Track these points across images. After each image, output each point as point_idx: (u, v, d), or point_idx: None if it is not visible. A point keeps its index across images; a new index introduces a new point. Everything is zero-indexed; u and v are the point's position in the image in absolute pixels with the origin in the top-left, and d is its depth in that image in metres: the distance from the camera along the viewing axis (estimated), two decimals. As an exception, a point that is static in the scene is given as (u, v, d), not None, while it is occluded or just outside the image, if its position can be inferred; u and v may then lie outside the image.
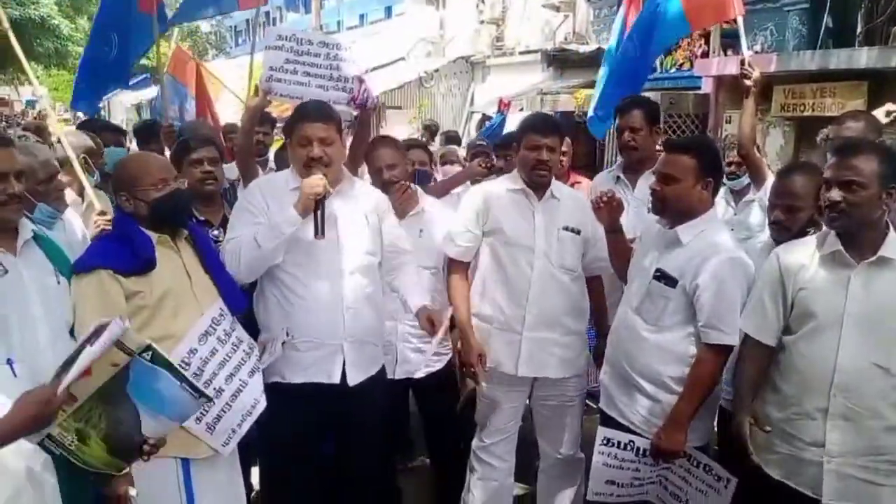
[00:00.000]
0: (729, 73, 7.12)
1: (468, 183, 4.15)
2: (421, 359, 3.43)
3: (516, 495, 3.54)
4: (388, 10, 24.69)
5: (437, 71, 15.64)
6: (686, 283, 2.65)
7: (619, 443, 2.74)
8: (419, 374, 3.49)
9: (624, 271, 3.07)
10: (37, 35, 18.29)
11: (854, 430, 2.28)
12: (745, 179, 4.14)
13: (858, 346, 2.26)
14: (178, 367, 1.95)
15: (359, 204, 2.96)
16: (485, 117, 11.76)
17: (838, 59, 6.66)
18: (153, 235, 2.51)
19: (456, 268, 3.26)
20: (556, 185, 3.27)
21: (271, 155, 5.20)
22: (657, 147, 3.75)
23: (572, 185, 4.09)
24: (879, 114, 3.84)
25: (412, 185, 3.54)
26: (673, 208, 2.73)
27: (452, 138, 8.44)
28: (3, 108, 23.79)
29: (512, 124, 7.12)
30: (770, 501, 2.46)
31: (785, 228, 2.71)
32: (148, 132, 5.54)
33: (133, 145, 6.04)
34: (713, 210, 2.79)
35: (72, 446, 1.85)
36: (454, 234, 3.25)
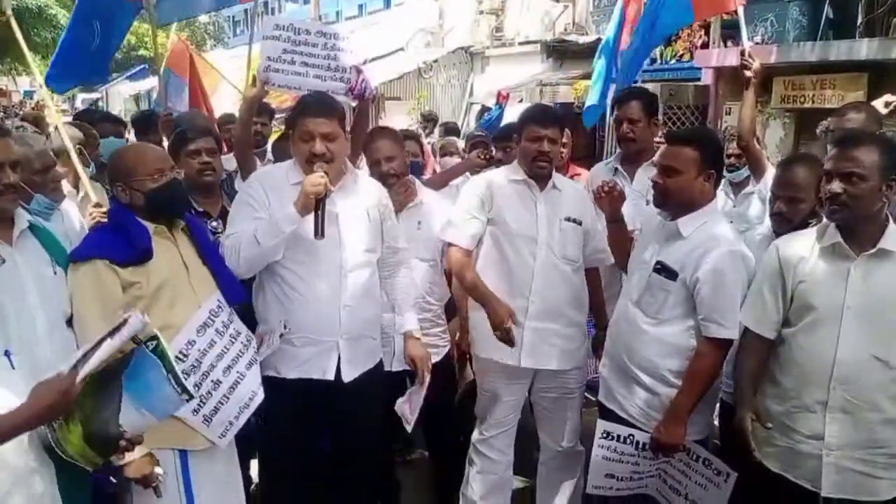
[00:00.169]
0: (729, 64, 7.10)
1: (467, 174, 4.14)
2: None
3: (516, 488, 3.55)
4: (388, 1, 24.57)
5: (436, 61, 15.58)
6: (686, 276, 2.64)
7: (618, 436, 2.74)
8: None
9: (624, 262, 3.07)
10: (34, 25, 18.19)
11: (853, 423, 2.28)
12: (745, 171, 4.13)
13: (858, 338, 2.26)
14: (172, 360, 1.95)
15: (361, 199, 2.94)
16: (484, 108, 11.74)
17: (839, 50, 6.64)
18: (150, 226, 2.50)
19: (459, 252, 3.22)
20: (557, 177, 3.28)
21: (269, 146, 5.18)
22: (657, 138, 3.74)
23: (572, 177, 4.09)
24: (878, 104, 3.83)
25: (411, 177, 3.52)
26: (675, 201, 2.72)
27: (451, 129, 8.42)
28: (1, 98, 23.72)
29: (510, 116, 7.11)
30: (769, 494, 2.46)
31: (787, 220, 2.70)
32: (146, 123, 5.52)
33: (132, 136, 6.02)
34: (714, 202, 2.78)
35: (55, 423, 1.85)
36: (459, 223, 3.21)
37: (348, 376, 2.86)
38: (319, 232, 2.68)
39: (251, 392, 2.66)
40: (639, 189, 3.53)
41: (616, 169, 3.75)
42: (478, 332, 3.26)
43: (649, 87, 6.24)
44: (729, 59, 7.13)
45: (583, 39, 11.64)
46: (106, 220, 2.79)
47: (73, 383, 1.71)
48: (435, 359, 3.49)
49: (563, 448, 3.32)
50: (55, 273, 2.38)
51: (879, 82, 6.22)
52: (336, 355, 2.84)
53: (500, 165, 3.74)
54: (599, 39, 10.58)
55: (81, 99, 23.19)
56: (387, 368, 3.16)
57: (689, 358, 2.66)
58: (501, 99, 7.88)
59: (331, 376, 2.84)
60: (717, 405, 3.09)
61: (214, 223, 3.29)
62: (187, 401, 2.03)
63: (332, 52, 3.60)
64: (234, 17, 32.33)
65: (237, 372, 2.61)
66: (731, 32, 7.86)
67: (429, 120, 9.98)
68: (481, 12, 15.23)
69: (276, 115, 6.46)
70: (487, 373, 3.26)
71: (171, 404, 2.00)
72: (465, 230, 3.19)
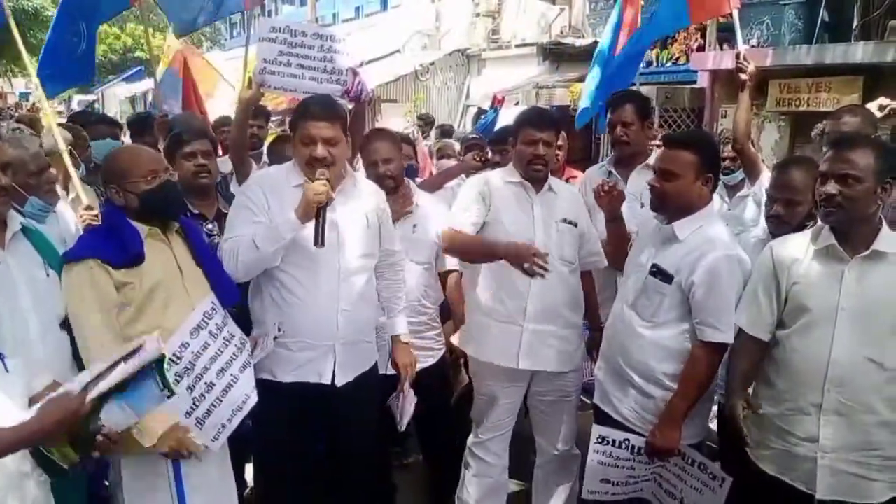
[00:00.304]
0: (725, 67, 7.12)
1: (462, 177, 4.14)
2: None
3: (511, 492, 3.54)
4: (384, 3, 24.58)
5: (432, 64, 15.59)
6: (682, 280, 2.64)
7: (614, 441, 2.73)
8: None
9: (621, 261, 3.07)
10: (30, 26, 18.18)
11: (847, 426, 2.28)
12: (740, 174, 4.13)
13: (852, 340, 2.26)
14: (165, 365, 1.95)
15: (360, 204, 2.94)
16: (480, 111, 11.74)
17: (834, 53, 6.66)
18: (143, 228, 2.50)
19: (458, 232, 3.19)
20: (552, 179, 3.28)
21: (265, 148, 5.18)
22: (656, 142, 3.74)
23: (568, 180, 4.09)
24: (873, 107, 3.84)
25: (407, 180, 3.52)
26: (673, 205, 2.71)
27: (447, 132, 8.43)
28: (-4, 99, 23.66)
29: (506, 119, 7.11)
30: (765, 497, 2.46)
31: (784, 222, 2.70)
32: (142, 125, 5.52)
33: (127, 138, 6.01)
34: (711, 205, 2.78)
35: None
36: (460, 212, 3.20)
37: (342, 380, 2.86)
38: (320, 241, 2.67)
39: (244, 395, 2.65)
40: (633, 192, 3.53)
41: (610, 172, 3.75)
42: (475, 335, 3.26)
43: (645, 89, 6.25)
44: (725, 62, 7.15)
45: (579, 42, 11.65)
46: (97, 222, 2.78)
47: (83, 403, 1.72)
48: (430, 362, 3.50)
49: (560, 451, 3.31)
50: (48, 276, 2.38)
51: (875, 85, 6.24)
52: (332, 359, 2.83)
53: (497, 168, 3.73)
54: (596, 42, 10.61)
55: (77, 101, 23.18)
56: (381, 371, 3.16)
57: (685, 361, 2.65)
58: (497, 102, 7.90)
59: (327, 380, 2.83)
60: (715, 408, 3.09)
61: (210, 225, 3.28)
62: (168, 397, 2.01)
63: (329, 55, 3.59)
64: (230, 19, 32.30)
65: (231, 375, 2.60)
66: (727, 35, 7.89)
67: (426, 122, 9.99)
68: (478, 15, 15.25)
69: (272, 118, 6.46)
70: (485, 376, 3.25)
71: (152, 400, 1.99)
72: (465, 217, 3.16)
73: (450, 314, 3.60)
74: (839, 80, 6.68)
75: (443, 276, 3.59)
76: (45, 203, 2.87)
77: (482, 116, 9.76)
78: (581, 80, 10.48)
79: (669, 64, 9.63)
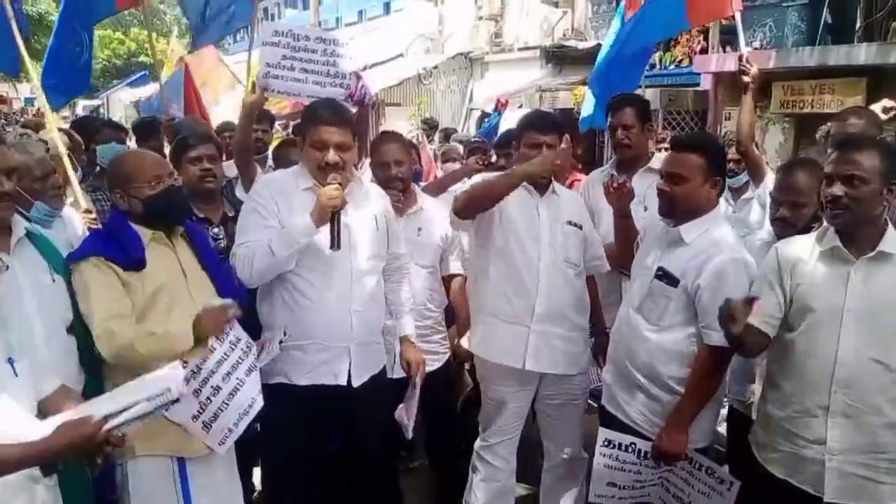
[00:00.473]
0: (728, 69, 7.11)
1: (465, 181, 4.14)
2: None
3: (519, 496, 3.54)
4: (387, 7, 24.62)
5: (435, 67, 15.60)
6: (688, 283, 2.63)
7: (620, 444, 2.72)
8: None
9: (629, 259, 3.07)
10: (35, 31, 18.26)
11: (855, 427, 2.27)
12: (744, 177, 4.12)
13: (858, 341, 2.25)
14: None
15: (369, 206, 2.96)
16: (484, 114, 11.76)
17: (837, 55, 6.65)
18: (147, 232, 2.51)
19: None
20: (555, 183, 3.28)
21: (270, 152, 5.19)
22: (663, 145, 3.74)
23: (572, 183, 4.09)
24: (877, 109, 3.83)
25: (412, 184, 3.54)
26: (681, 208, 2.70)
27: (450, 136, 8.43)
28: (1, 105, 23.71)
29: (509, 122, 7.11)
30: (773, 500, 2.44)
31: (790, 225, 2.69)
32: (147, 129, 5.52)
33: (132, 143, 6.03)
34: (717, 209, 2.77)
35: None
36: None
37: (358, 380, 2.87)
38: (336, 244, 2.70)
39: (251, 399, 2.65)
40: (636, 195, 3.53)
41: (612, 175, 3.74)
42: (482, 336, 3.25)
43: (648, 92, 6.25)
44: (728, 65, 7.14)
45: (582, 45, 11.65)
46: (95, 225, 2.80)
47: (99, 431, 1.72)
48: (436, 365, 3.50)
49: (568, 455, 3.30)
50: (53, 280, 2.39)
51: (878, 87, 6.22)
52: (347, 360, 2.85)
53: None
54: (599, 45, 10.61)
55: (83, 105, 23.23)
56: (388, 375, 3.16)
57: (691, 365, 2.64)
58: (500, 106, 7.90)
59: (343, 381, 2.84)
60: (725, 411, 3.09)
61: (216, 229, 3.30)
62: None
63: (332, 59, 3.61)
64: (233, 23, 32.33)
65: (237, 378, 2.60)
66: (729, 38, 7.88)
67: (431, 126, 10.00)
68: (481, 18, 15.26)
69: (276, 122, 6.47)
70: (493, 380, 3.25)
71: (159, 414, 2.00)
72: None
73: (454, 318, 3.60)
74: (843, 82, 6.67)
75: (447, 280, 3.60)
76: (51, 208, 2.88)
77: (486, 120, 9.78)
78: (584, 82, 10.49)
79: (672, 66, 9.62)
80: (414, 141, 5.92)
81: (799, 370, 2.35)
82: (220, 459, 2.61)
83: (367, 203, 2.95)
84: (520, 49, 13.81)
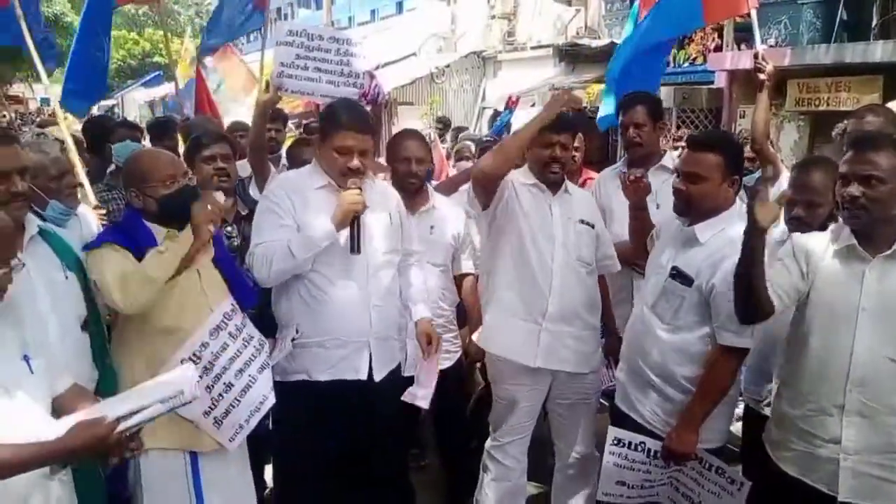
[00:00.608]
0: (742, 67, 7.09)
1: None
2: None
3: (530, 495, 3.53)
4: (400, 6, 24.67)
5: (448, 66, 15.61)
6: (702, 283, 2.61)
7: (630, 443, 2.71)
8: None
9: (644, 253, 3.07)
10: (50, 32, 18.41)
11: (871, 427, 2.25)
12: (758, 174, 4.10)
13: (874, 340, 2.23)
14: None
15: (382, 202, 2.98)
16: (496, 113, 11.74)
17: (853, 52, 6.61)
18: (161, 231, 2.53)
19: None
20: (567, 182, 3.27)
21: (283, 151, 5.21)
22: (680, 143, 3.72)
23: (585, 181, 4.08)
24: (893, 107, 3.79)
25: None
26: (698, 208, 2.67)
27: (459, 135, 8.43)
28: (18, 105, 23.96)
29: (520, 120, 7.09)
30: (786, 499, 2.43)
31: (805, 224, 2.66)
32: (161, 129, 5.56)
33: (147, 142, 6.08)
34: (733, 208, 2.73)
35: None
36: None
37: (379, 375, 2.89)
38: (356, 248, 2.74)
39: (262, 396, 2.67)
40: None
41: (624, 174, 3.73)
42: (494, 332, 3.24)
43: (662, 90, 6.22)
44: (742, 62, 7.11)
45: (595, 43, 11.62)
46: (104, 221, 2.83)
47: (113, 432, 1.74)
48: (447, 364, 3.50)
49: (580, 455, 3.29)
50: (66, 277, 2.41)
51: (894, 84, 6.18)
52: (367, 355, 2.86)
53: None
54: (612, 43, 10.62)
55: (98, 105, 23.41)
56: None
57: (705, 365, 2.63)
58: (511, 104, 7.86)
59: (363, 376, 2.86)
60: (740, 410, 3.07)
61: (229, 228, 3.31)
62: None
63: (345, 58, 3.62)
64: (247, 23, 32.49)
65: (249, 375, 2.62)
66: (744, 35, 7.85)
67: (445, 125, 10.00)
68: (493, 17, 15.26)
69: (289, 121, 6.50)
70: (504, 379, 3.24)
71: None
72: None
73: (465, 318, 3.60)
74: (858, 80, 6.62)
75: (458, 280, 3.60)
76: (66, 207, 2.90)
77: (497, 118, 9.76)
78: (597, 80, 10.49)
79: (686, 64, 9.60)
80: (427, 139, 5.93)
81: (814, 369, 2.34)
82: (233, 455, 2.63)
83: (381, 199, 2.97)
84: (532, 47, 13.80)
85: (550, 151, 3.09)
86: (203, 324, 2.52)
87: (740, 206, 4.11)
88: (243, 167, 3.97)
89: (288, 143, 5.39)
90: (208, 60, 7.95)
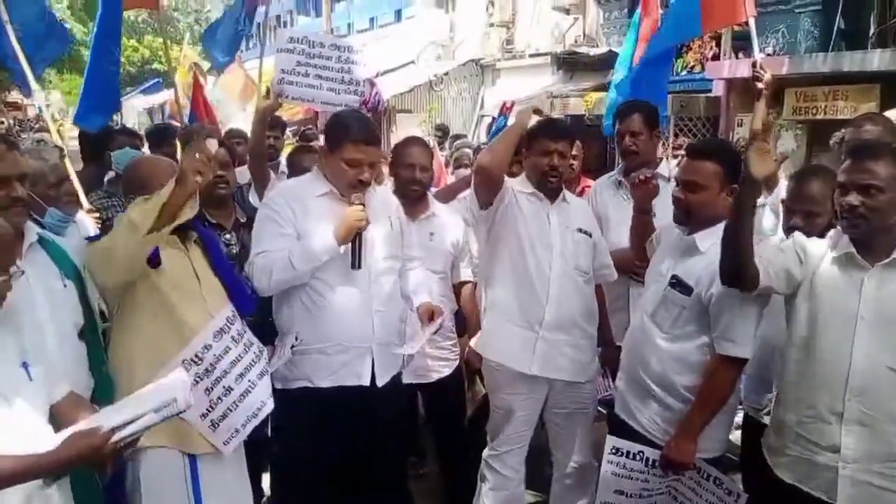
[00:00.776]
0: (740, 75, 7.10)
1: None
2: (428, 363, 3.44)
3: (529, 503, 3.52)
4: (398, 14, 24.71)
5: (446, 74, 15.65)
6: (701, 292, 2.61)
7: (628, 452, 2.70)
8: (426, 380, 3.49)
9: (641, 256, 3.08)
10: (70, 43, 18.38)
11: (870, 436, 2.24)
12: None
13: (872, 349, 2.23)
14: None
15: (382, 208, 2.99)
16: (493, 120, 11.77)
17: (851, 61, 6.63)
18: (162, 237, 2.52)
19: None
20: (564, 191, 3.28)
21: (283, 159, 5.22)
22: (680, 152, 3.73)
23: (583, 189, 4.08)
24: (891, 115, 3.81)
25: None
26: (698, 217, 2.67)
27: (464, 142, 8.44)
28: (16, 112, 23.96)
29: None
30: (782, 506, 2.43)
31: (804, 234, 2.67)
32: (160, 136, 5.56)
33: (146, 149, 6.08)
34: None
35: None
36: None
37: (381, 380, 2.89)
38: (357, 263, 2.75)
39: (260, 402, 2.66)
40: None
41: (620, 182, 3.73)
42: (491, 337, 3.25)
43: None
44: (740, 71, 7.12)
45: (593, 51, 11.67)
46: (101, 225, 2.82)
47: (107, 442, 1.75)
48: (446, 371, 3.50)
49: (578, 464, 3.29)
50: (65, 286, 2.41)
51: (892, 93, 6.20)
52: (370, 360, 2.86)
53: (512, 177, 3.74)
54: (610, 51, 10.67)
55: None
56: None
57: (704, 374, 2.63)
58: (506, 110, 7.79)
59: (366, 381, 2.85)
60: (739, 419, 3.06)
61: (228, 235, 3.31)
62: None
63: (346, 65, 3.64)
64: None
65: (249, 381, 2.61)
66: (742, 44, 7.86)
67: (444, 133, 10.02)
68: (492, 25, 15.30)
69: (288, 128, 6.52)
70: (501, 388, 3.23)
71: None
72: None
73: (465, 327, 3.60)
74: (856, 89, 6.64)
75: (457, 287, 3.60)
76: (65, 214, 2.90)
77: (492, 125, 9.77)
78: (595, 88, 10.52)
79: (684, 72, 9.61)
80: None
81: (812, 376, 2.33)
82: (231, 460, 2.62)
83: (381, 205, 2.98)
84: (531, 55, 13.84)
85: (548, 160, 3.10)
86: (206, 326, 2.52)
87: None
88: (242, 174, 3.97)
89: (286, 150, 5.40)
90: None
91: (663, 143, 7.39)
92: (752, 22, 4.20)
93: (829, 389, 2.28)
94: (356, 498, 3.02)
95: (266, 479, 3.49)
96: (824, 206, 2.61)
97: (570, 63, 12.43)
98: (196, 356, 2.47)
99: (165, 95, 18.73)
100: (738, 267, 2.35)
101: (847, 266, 2.29)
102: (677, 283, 2.68)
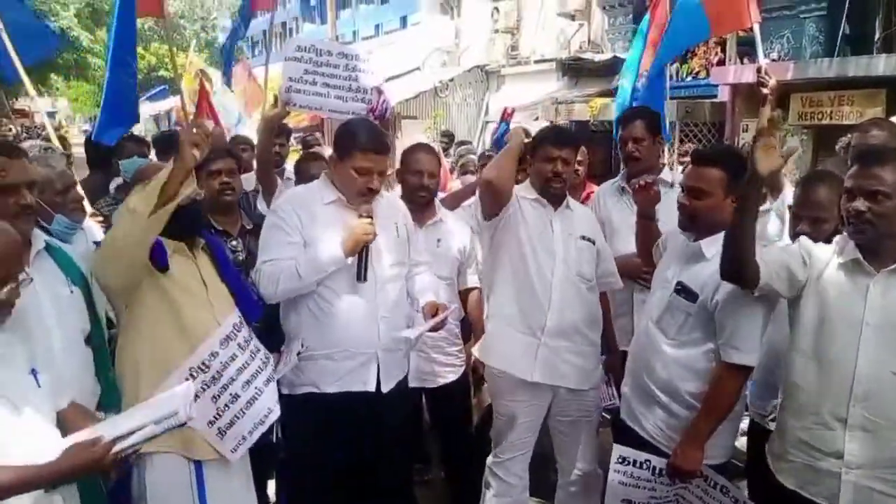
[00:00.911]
0: (746, 81, 7.10)
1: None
2: (431, 367, 3.46)
3: (532, 510, 3.52)
4: (404, 20, 24.81)
5: (451, 80, 15.68)
6: (707, 299, 2.60)
7: (634, 461, 2.69)
8: (432, 385, 3.50)
9: (647, 261, 3.08)
10: (57, 46, 18.55)
11: (874, 442, 2.24)
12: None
13: (878, 355, 2.22)
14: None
15: (389, 215, 2.99)
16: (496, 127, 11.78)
17: (856, 66, 6.63)
18: (170, 243, 2.54)
19: None
20: (568, 198, 3.28)
21: (287, 165, 5.23)
22: (685, 159, 3.73)
23: (588, 195, 4.08)
24: (896, 121, 3.80)
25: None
26: (703, 223, 2.67)
27: (468, 148, 8.45)
28: (23, 119, 24.10)
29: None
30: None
31: (811, 240, 2.66)
32: (167, 143, 5.57)
33: (152, 155, 6.10)
34: None
35: None
36: None
37: (387, 386, 2.89)
38: (363, 276, 2.78)
39: (267, 409, 2.67)
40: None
41: (623, 188, 3.73)
42: (492, 344, 3.24)
43: (665, 104, 6.22)
44: (745, 76, 7.13)
45: (598, 57, 11.68)
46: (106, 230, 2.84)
47: (108, 453, 1.76)
48: (451, 377, 3.50)
49: (582, 471, 3.28)
50: (71, 292, 2.43)
51: (898, 98, 6.19)
52: (375, 367, 2.87)
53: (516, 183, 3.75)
54: (615, 57, 10.68)
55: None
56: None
57: (709, 381, 2.62)
58: (507, 116, 7.74)
59: (371, 387, 2.86)
60: (745, 425, 3.06)
61: (234, 242, 3.33)
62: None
63: (353, 73, 3.65)
64: (252, 37, 32.77)
65: (255, 388, 2.62)
66: (747, 49, 7.87)
67: (450, 140, 10.03)
68: (497, 31, 15.32)
69: (294, 135, 6.54)
70: (503, 394, 3.23)
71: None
72: None
73: (471, 332, 3.60)
74: (862, 94, 6.63)
75: (464, 294, 3.60)
76: (72, 221, 2.92)
77: (496, 131, 9.77)
78: (600, 94, 10.54)
79: (689, 78, 9.62)
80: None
81: (816, 382, 2.33)
82: (237, 467, 2.63)
83: (388, 212, 2.99)
84: (536, 61, 13.86)
85: (552, 166, 3.10)
86: (212, 333, 2.53)
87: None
88: (248, 181, 3.98)
89: (295, 157, 5.41)
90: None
91: (669, 149, 7.39)
92: (756, 28, 4.20)
93: (833, 395, 2.28)
94: (363, 502, 3.02)
95: (272, 486, 3.49)
96: (831, 212, 2.60)
97: (574, 69, 12.45)
98: (203, 364, 2.48)
99: (172, 102, 18.80)
100: (738, 263, 2.35)
101: (853, 272, 2.29)
102: (682, 290, 2.67)
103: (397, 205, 3.14)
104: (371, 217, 2.78)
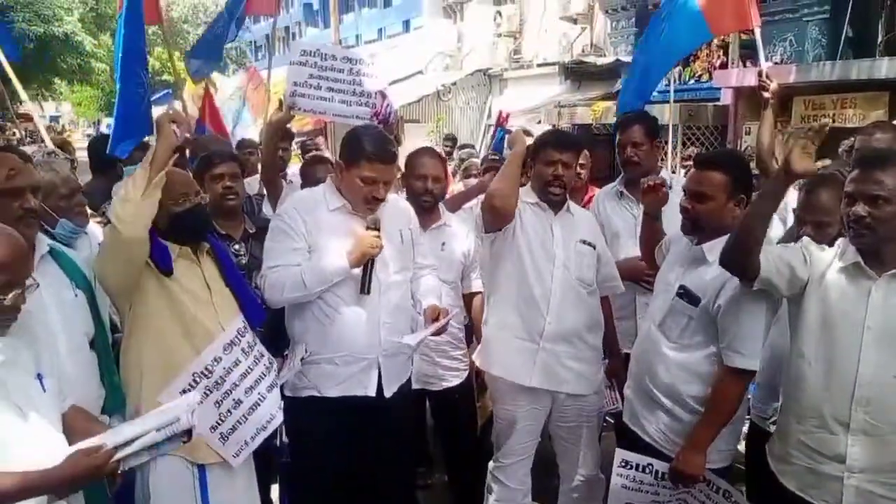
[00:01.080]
0: (748, 84, 7.11)
1: (481, 198, 4.15)
2: (433, 370, 3.46)
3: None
4: (406, 24, 24.84)
5: (454, 84, 15.71)
6: (709, 303, 2.60)
7: (637, 465, 2.69)
8: (435, 388, 3.50)
9: (650, 261, 3.08)
10: (60, 51, 18.61)
11: (876, 446, 2.23)
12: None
13: (879, 359, 2.21)
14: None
15: (394, 221, 2.99)
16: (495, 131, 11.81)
17: (859, 69, 6.62)
18: (175, 248, 2.55)
19: None
20: (569, 202, 3.27)
21: (290, 170, 5.24)
22: (688, 163, 3.74)
23: (590, 199, 4.08)
24: (901, 124, 3.81)
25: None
26: (706, 227, 2.67)
27: (469, 151, 8.46)
28: (27, 123, 24.16)
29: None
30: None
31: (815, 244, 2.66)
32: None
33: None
34: None
35: None
36: None
37: (388, 391, 2.90)
38: (366, 289, 2.79)
39: (269, 415, 2.67)
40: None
41: (622, 192, 3.73)
42: (491, 349, 3.24)
43: (667, 107, 6.23)
44: (748, 79, 7.14)
45: (601, 61, 11.69)
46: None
47: (109, 460, 1.77)
48: (455, 381, 3.50)
49: (584, 476, 3.27)
50: (76, 296, 2.43)
51: (901, 101, 6.19)
52: (376, 372, 2.87)
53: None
54: (617, 60, 10.69)
55: (107, 124, 23.62)
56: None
57: (711, 384, 2.62)
58: (502, 121, 7.67)
59: (372, 392, 2.86)
60: (744, 429, 3.05)
61: (237, 246, 3.33)
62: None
63: (358, 78, 3.66)
64: (255, 41, 32.82)
65: (258, 393, 2.63)
66: (750, 52, 7.88)
67: (454, 143, 10.05)
68: (499, 35, 15.35)
69: (296, 139, 6.55)
70: (503, 399, 3.22)
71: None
72: None
73: (476, 337, 3.60)
74: (864, 96, 6.63)
75: (468, 298, 3.60)
76: (76, 226, 2.93)
77: (493, 136, 9.78)
78: (603, 98, 10.55)
79: (692, 81, 9.63)
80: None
81: (818, 386, 2.32)
82: (240, 471, 2.63)
83: (393, 217, 2.98)
84: (538, 65, 13.89)
85: (552, 170, 3.09)
86: (216, 339, 2.54)
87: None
88: (252, 184, 3.99)
89: (299, 161, 5.42)
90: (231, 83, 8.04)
91: (672, 153, 7.39)
92: (757, 31, 4.21)
93: (835, 399, 2.27)
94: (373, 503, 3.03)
95: (275, 490, 3.50)
96: (835, 216, 2.59)
97: (577, 72, 12.47)
98: (206, 369, 2.49)
99: (175, 106, 18.83)
100: (743, 253, 2.34)
101: (854, 276, 2.29)
102: (685, 294, 2.67)
103: (403, 207, 3.13)
104: (378, 229, 2.78)
